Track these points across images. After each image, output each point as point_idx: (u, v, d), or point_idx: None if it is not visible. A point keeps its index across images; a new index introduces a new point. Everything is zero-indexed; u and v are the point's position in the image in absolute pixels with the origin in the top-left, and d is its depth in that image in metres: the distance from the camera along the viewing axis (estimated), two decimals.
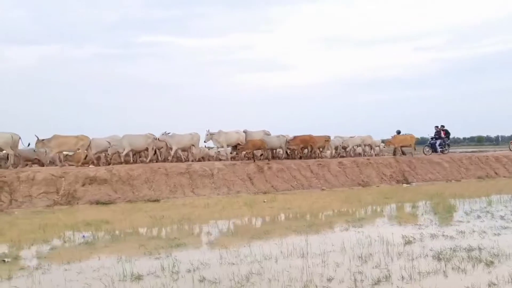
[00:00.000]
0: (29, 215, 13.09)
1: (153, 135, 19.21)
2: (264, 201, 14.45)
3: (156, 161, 19.04)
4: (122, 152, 18.62)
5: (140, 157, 20.07)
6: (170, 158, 19.44)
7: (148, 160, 18.66)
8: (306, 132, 22.06)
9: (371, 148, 25.85)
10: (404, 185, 19.66)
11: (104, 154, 19.73)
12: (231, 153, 21.25)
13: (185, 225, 10.30)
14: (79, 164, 18.24)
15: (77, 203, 15.06)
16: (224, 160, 21.15)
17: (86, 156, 18.93)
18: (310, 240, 8.05)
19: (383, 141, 28.33)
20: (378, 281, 5.69)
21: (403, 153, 23.23)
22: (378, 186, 19.16)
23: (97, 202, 15.11)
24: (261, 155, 21.00)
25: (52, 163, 19.07)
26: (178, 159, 19.86)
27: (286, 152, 21.40)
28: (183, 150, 20.15)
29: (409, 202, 13.65)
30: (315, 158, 21.37)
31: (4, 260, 7.20)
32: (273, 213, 12.19)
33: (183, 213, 12.12)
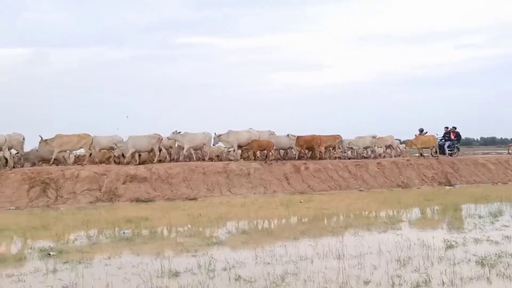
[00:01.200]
0: (73, 211, 13.63)
1: (159, 135, 18.81)
2: (301, 201, 14.37)
3: (170, 161, 18.94)
4: (126, 154, 18.47)
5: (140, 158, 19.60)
6: (181, 157, 19.23)
7: (155, 161, 18.46)
8: (336, 131, 21.51)
9: (392, 149, 24.20)
10: (447, 187, 19.00)
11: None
12: (241, 155, 20.60)
13: (222, 224, 10.40)
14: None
15: (118, 200, 15.53)
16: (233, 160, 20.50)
17: (91, 154, 18.94)
18: (346, 242, 7.94)
19: (402, 142, 26.77)
20: (417, 286, 5.54)
21: (421, 155, 21.82)
22: (419, 188, 18.62)
23: (137, 200, 15.52)
24: (266, 156, 19.60)
25: (58, 162, 19.13)
26: (190, 159, 19.51)
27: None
28: (195, 149, 19.70)
29: (452, 205, 13.18)
30: (322, 159, 20.21)
31: (49, 254, 7.52)
32: (310, 213, 12.10)
33: (220, 211, 12.24)
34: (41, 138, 18.04)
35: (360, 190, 17.95)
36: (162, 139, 18.86)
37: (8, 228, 10.33)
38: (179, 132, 19.15)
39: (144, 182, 16.37)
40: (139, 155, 19.34)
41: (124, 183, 16.21)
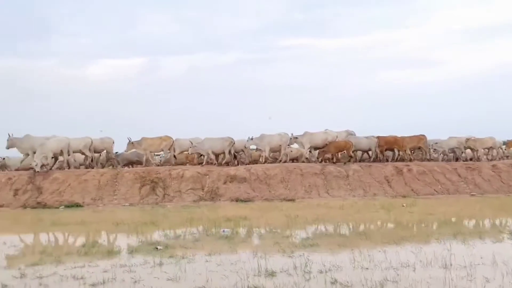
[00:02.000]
0: (179, 208, 14.53)
1: (231, 138, 18.98)
2: (403, 205, 13.64)
3: (237, 164, 18.90)
4: (206, 155, 18.89)
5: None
6: (262, 159, 19.12)
7: (224, 162, 18.72)
8: (446, 132, 20.02)
9: (492, 151, 21.46)
10: None
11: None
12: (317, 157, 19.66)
13: (319, 226, 10.29)
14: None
15: (219, 199, 16.21)
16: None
17: (175, 156, 19.77)
18: (454, 250, 7.33)
19: (505, 143, 23.57)
20: None
21: None
22: None
23: (237, 199, 16.04)
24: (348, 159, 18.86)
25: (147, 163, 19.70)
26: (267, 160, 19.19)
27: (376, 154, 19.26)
28: (274, 151, 19.45)
29: None
30: (403, 160, 18.99)
31: (157, 248, 8.09)
32: (413, 218, 11.41)
33: (317, 213, 12.12)
34: (129, 140, 19.21)
35: (472, 195, 16.52)
36: (234, 143, 19.09)
37: (123, 222, 11.35)
38: (252, 138, 18.99)
39: (244, 182, 16.86)
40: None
41: (224, 183, 16.87)
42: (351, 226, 10.31)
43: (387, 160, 19.22)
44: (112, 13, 63.65)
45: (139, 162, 20.29)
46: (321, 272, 6.29)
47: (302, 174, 17.27)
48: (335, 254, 7.41)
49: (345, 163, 18.22)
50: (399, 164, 18.34)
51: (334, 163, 18.31)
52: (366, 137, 19.35)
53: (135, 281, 5.99)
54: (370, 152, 19.53)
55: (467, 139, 20.56)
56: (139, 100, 59.83)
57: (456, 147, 20.73)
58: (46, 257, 7.53)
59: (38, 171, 17.27)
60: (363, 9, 62.72)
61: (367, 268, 6.45)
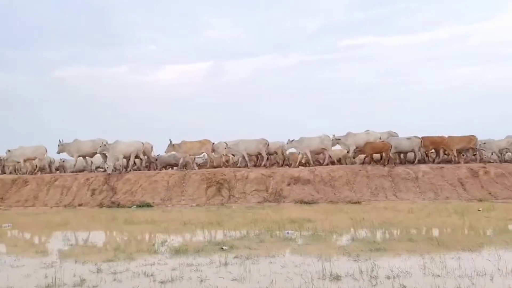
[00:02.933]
0: (243, 209, 14.72)
1: (266, 140, 18.99)
2: (479, 210, 12.79)
3: (267, 166, 18.80)
4: (241, 156, 19.05)
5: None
6: (297, 163, 18.85)
7: (263, 164, 18.74)
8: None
9: None
10: None
11: None
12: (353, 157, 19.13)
13: (386, 230, 9.93)
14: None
15: (283, 201, 16.22)
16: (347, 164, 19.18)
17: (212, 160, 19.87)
18: None
19: None
20: None
21: None
22: None
23: (301, 201, 15.96)
24: (382, 158, 18.31)
25: (184, 166, 19.76)
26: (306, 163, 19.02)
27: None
28: (316, 153, 19.26)
29: None
30: (450, 162, 17.94)
31: (222, 248, 8.25)
32: (490, 224, 10.65)
33: (384, 217, 11.72)
34: (170, 141, 19.30)
35: None
36: (268, 144, 19.08)
37: (190, 222, 11.72)
38: (292, 140, 18.93)
39: (308, 184, 16.75)
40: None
41: (288, 184, 16.86)
42: (421, 231, 9.85)
43: (433, 162, 18.40)
44: (178, 20, 65.85)
45: (177, 165, 20.65)
46: (388, 278, 6.05)
47: (368, 176, 16.81)
48: (403, 259, 7.10)
49: (384, 165, 17.74)
50: (474, 165, 17.25)
51: (370, 163, 17.98)
52: (408, 138, 18.66)
53: (201, 280, 6.14)
54: (413, 153, 18.76)
55: None
56: (203, 104, 61.54)
57: (506, 148, 19.10)
58: (120, 254, 7.95)
59: (109, 173, 18.42)
60: (425, 5, 59.61)
61: (438, 276, 6.11)
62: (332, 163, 19.54)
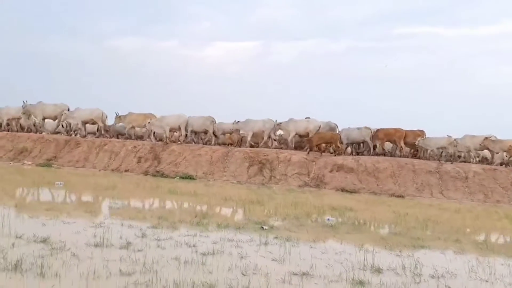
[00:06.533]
0: (284, 191, 14.73)
1: (212, 117, 19.85)
2: None
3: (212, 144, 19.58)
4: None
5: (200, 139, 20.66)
6: (247, 144, 19.38)
7: (213, 143, 19.63)
8: None
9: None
10: None
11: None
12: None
13: (431, 227, 9.62)
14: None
15: (324, 187, 16.08)
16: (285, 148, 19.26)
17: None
18: None
19: None
20: None
21: None
22: None
23: (342, 189, 15.76)
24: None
25: (128, 137, 21.22)
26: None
27: (374, 147, 18.40)
28: (257, 136, 19.83)
29: None
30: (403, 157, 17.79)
31: (262, 227, 8.29)
32: None
33: (429, 214, 11.37)
34: (117, 114, 21.04)
35: None
36: (215, 122, 19.90)
37: (231, 199, 11.86)
38: (238, 121, 19.67)
39: (351, 172, 16.48)
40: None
41: (331, 171, 16.67)
42: (468, 233, 9.48)
43: (384, 155, 18.20)
44: None
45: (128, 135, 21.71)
46: (432, 277, 5.88)
47: (414, 171, 16.31)
48: (449, 260, 6.86)
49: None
50: None
51: (320, 153, 17.97)
52: (358, 128, 18.71)
53: (242, 257, 6.20)
54: (364, 145, 19.02)
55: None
56: (249, 83, 61.54)
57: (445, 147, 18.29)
58: (163, 222, 8.17)
59: (154, 142, 19.10)
60: None
61: (486, 281, 5.87)
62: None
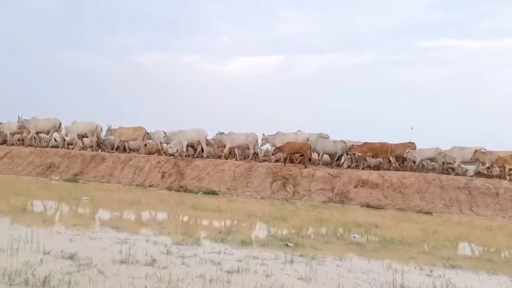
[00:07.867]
0: (308, 207, 14.55)
1: (205, 131, 19.98)
2: None
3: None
4: (179, 146, 19.53)
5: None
6: (224, 155, 19.72)
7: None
8: None
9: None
10: None
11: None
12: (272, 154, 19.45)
13: (462, 246, 9.31)
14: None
15: (349, 203, 15.81)
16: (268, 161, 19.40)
17: (145, 145, 21.57)
18: None
19: None
20: None
21: None
22: None
23: (368, 205, 15.46)
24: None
25: (116, 149, 21.51)
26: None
27: (351, 159, 19.08)
28: (240, 148, 20.13)
29: None
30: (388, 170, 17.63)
31: (287, 244, 8.17)
32: None
33: (458, 231, 11.03)
34: (109, 127, 21.54)
35: None
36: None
37: (255, 214, 11.78)
38: (222, 133, 20.09)
39: (376, 188, 16.19)
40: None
41: (355, 187, 16.41)
42: (501, 251, 9.11)
43: (370, 167, 18.09)
44: (253, 12, 66.61)
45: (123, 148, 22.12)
46: None
47: (442, 187, 15.90)
48: (482, 280, 6.61)
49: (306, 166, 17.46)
50: None
51: (292, 163, 18.27)
52: (334, 141, 18.95)
53: (267, 275, 6.10)
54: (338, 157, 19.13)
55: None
56: (272, 97, 61.80)
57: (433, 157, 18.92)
58: (187, 238, 8.15)
59: (175, 157, 19.48)
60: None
61: None
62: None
